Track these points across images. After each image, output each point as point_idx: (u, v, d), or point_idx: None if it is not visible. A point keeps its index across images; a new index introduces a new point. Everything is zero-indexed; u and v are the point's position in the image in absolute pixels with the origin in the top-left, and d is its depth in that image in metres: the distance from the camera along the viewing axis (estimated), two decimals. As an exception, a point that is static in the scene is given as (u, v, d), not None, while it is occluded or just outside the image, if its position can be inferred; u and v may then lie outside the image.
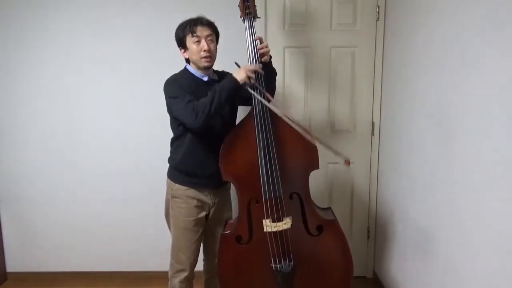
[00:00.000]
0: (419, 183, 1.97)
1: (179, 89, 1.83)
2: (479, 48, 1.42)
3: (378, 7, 2.45)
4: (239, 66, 1.85)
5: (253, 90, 1.81)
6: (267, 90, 1.85)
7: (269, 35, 2.50)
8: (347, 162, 1.72)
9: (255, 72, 1.82)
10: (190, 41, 1.86)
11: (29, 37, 2.53)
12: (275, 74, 2.08)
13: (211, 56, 1.88)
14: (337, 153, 1.68)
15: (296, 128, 1.75)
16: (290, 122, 1.76)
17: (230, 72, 2.07)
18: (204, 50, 1.84)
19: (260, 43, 1.90)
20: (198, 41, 1.84)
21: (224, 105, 1.81)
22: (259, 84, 1.84)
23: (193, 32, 1.84)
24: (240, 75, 1.78)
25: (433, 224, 1.81)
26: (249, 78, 1.78)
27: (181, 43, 1.90)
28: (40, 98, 2.60)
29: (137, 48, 2.53)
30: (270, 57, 1.98)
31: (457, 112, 1.57)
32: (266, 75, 1.92)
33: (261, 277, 1.94)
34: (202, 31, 1.84)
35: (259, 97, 1.79)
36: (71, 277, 2.77)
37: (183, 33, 1.87)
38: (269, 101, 1.79)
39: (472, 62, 1.46)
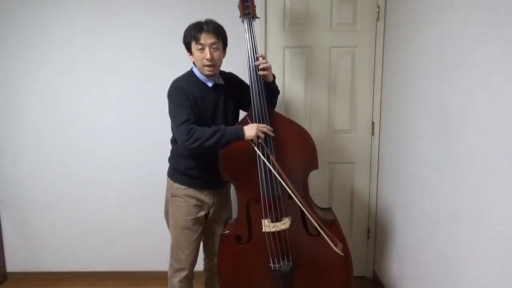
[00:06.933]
0: (419, 183, 1.96)
1: (182, 100, 1.81)
2: (479, 48, 1.42)
3: (378, 7, 2.45)
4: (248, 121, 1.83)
5: (259, 148, 1.80)
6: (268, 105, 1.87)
7: (269, 35, 2.50)
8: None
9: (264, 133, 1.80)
10: (194, 47, 1.83)
11: (28, 38, 2.53)
12: (278, 92, 2.07)
13: (215, 64, 1.83)
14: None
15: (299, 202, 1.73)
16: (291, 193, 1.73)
17: (236, 74, 2.07)
18: (207, 59, 1.80)
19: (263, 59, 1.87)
20: (202, 49, 1.80)
21: (220, 148, 1.79)
22: (266, 143, 1.82)
23: (196, 40, 1.80)
24: (250, 132, 1.76)
25: (433, 224, 1.81)
26: (257, 137, 1.77)
27: (187, 47, 1.88)
28: (39, 99, 2.60)
29: (137, 48, 2.53)
30: (274, 77, 1.95)
31: (457, 112, 1.57)
32: (269, 94, 1.91)
33: (260, 276, 1.95)
34: (206, 39, 1.79)
35: (262, 156, 1.79)
36: (71, 277, 2.77)
37: (189, 38, 1.84)
38: (272, 163, 1.78)
39: (472, 62, 1.46)
